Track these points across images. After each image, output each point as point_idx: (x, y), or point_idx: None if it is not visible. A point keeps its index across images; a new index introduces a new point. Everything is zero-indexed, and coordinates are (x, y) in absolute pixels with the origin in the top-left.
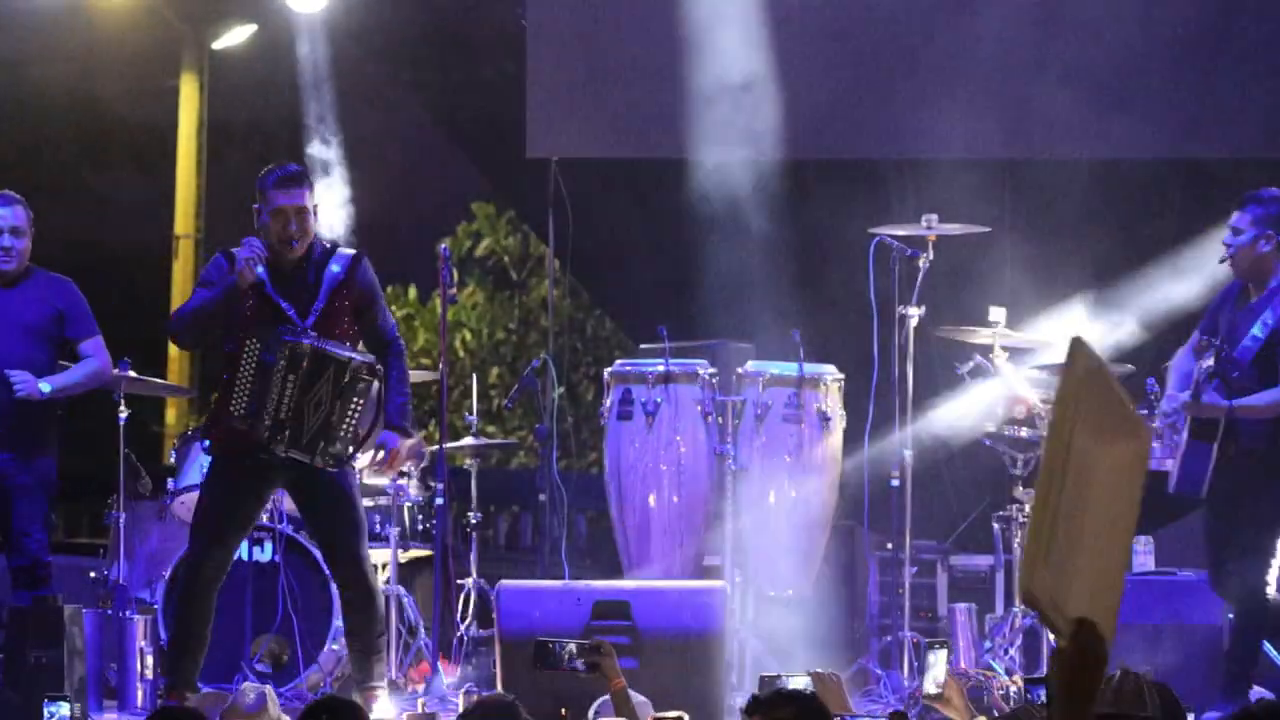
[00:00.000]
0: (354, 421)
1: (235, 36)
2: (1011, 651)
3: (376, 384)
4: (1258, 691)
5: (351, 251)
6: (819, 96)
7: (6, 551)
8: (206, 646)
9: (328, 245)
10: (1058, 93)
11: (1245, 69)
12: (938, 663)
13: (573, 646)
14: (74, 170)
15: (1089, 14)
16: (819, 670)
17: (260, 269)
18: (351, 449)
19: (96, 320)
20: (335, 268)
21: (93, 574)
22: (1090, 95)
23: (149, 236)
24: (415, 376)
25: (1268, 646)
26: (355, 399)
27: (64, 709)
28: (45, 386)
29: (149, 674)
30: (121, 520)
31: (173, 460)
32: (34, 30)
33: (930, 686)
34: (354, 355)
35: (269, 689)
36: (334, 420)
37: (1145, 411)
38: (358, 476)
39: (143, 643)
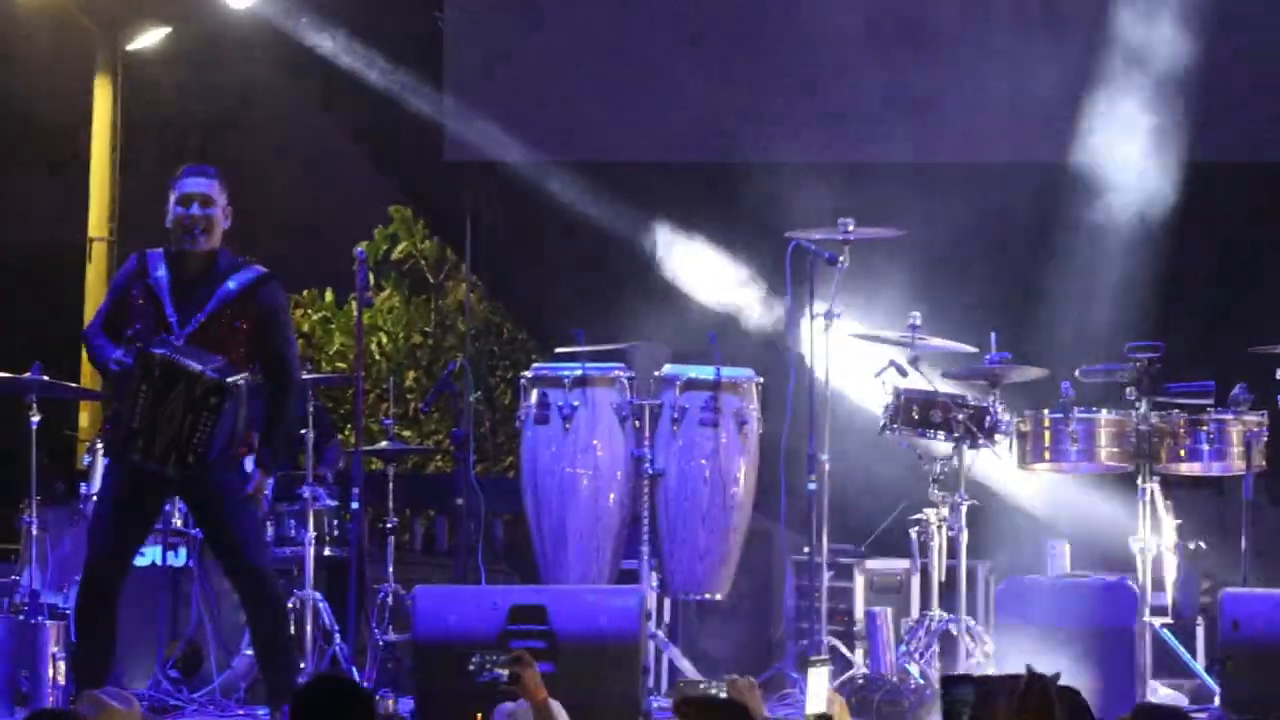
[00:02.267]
0: (207, 436)
1: (149, 38)
2: (928, 654)
3: (233, 403)
4: (1151, 687)
5: (258, 270)
6: (731, 101)
7: None
8: (114, 651)
9: (238, 261)
10: (971, 99)
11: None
12: (819, 680)
13: (491, 657)
14: None
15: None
16: (734, 676)
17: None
18: (207, 461)
19: (3, 322)
20: (231, 284)
21: (4, 580)
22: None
23: (62, 239)
24: (331, 381)
25: (1171, 639)
26: (207, 414)
27: None
28: None
29: (61, 680)
30: (33, 525)
31: (86, 465)
32: None
33: (813, 706)
34: (206, 370)
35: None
36: (185, 433)
37: (1059, 415)
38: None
39: (55, 648)
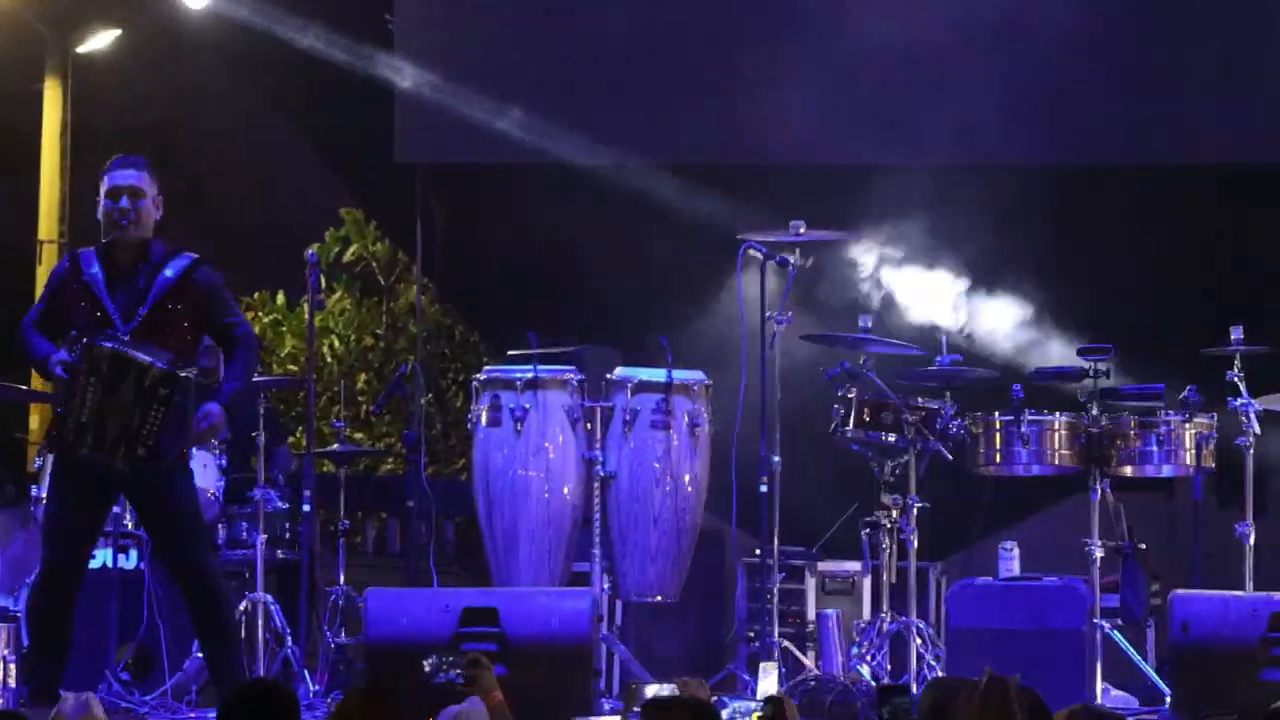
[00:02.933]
0: (156, 427)
1: (100, 40)
2: (879, 656)
3: (183, 395)
4: (1103, 689)
5: (191, 256)
6: (689, 101)
7: None
8: (68, 653)
9: (168, 249)
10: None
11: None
12: (768, 683)
13: (448, 659)
14: None
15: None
16: (685, 678)
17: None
18: (159, 454)
19: None
20: (169, 272)
21: None
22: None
23: (11, 240)
24: (282, 383)
25: (1120, 639)
26: (157, 405)
27: None
28: None
29: (11, 682)
30: None
31: (36, 467)
32: None
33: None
34: (155, 362)
35: (91, 695)
36: (134, 425)
37: (1010, 417)
38: (193, 478)
39: (5, 650)
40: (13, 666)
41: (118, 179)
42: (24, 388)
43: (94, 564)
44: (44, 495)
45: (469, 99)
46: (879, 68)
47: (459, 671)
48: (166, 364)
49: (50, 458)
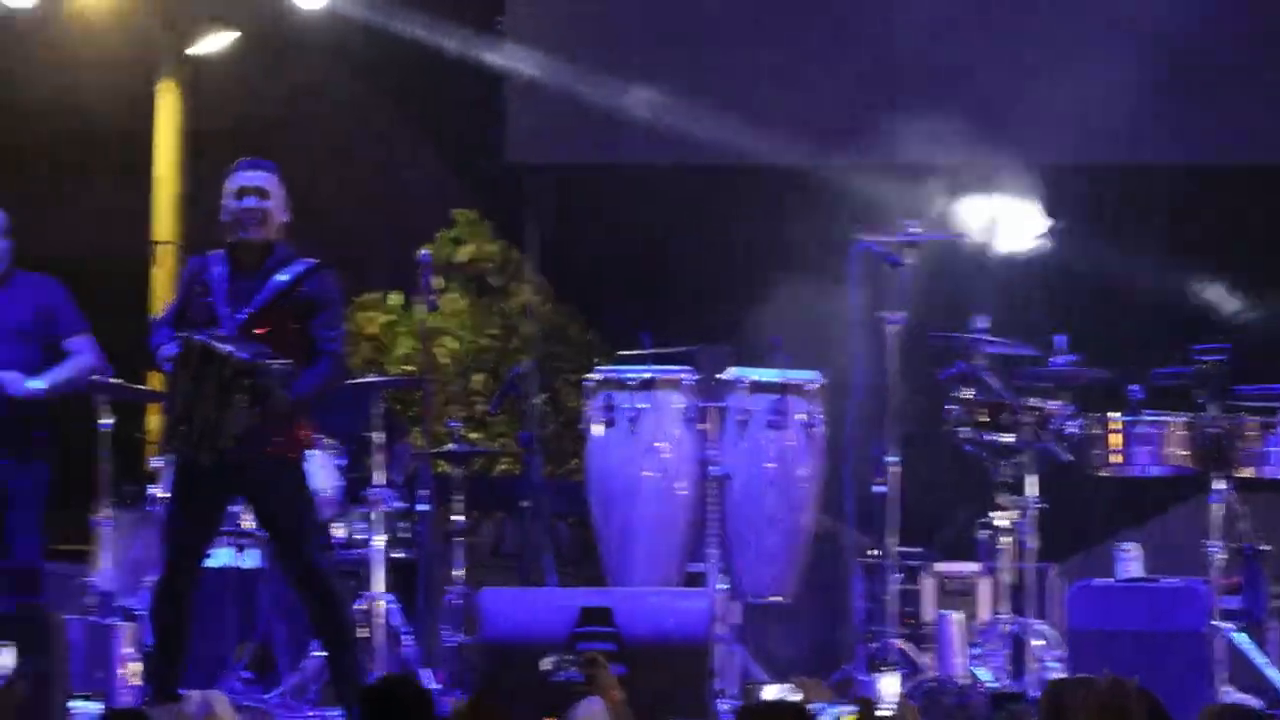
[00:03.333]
0: (237, 419)
1: (215, 42)
2: (998, 659)
3: (265, 385)
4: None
5: (311, 261)
6: (805, 102)
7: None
8: (187, 652)
9: (291, 253)
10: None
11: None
12: (889, 687)
13: (566, 659)
14: (53, 178)
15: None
16: (802, 678)
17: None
18: (245, 448)
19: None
20: (284, 275)
21: (77, 581)
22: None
23: (129, 243)
24: (398, 384)
25: (1242, 642)
26: (238, 395)
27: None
28: (37, 384)
29: (134, 680)
30: (106, 527)
31: (155, 467)
32: (12, 38)
33: (882, 710)
34: (235, 352)
35: (216, 694)
36: (216, 417)
37: (1129, 418)
38: (310, 478)
39: (128, 650)
40: (136, 665)
41: (242, 180)
42: (141, 388)
43: (213, 564)
44: (162, 495)
45: (579, 98)
46: (995, 69)
47: (579, 670)
48: (250, 355)
49: (169, 458)
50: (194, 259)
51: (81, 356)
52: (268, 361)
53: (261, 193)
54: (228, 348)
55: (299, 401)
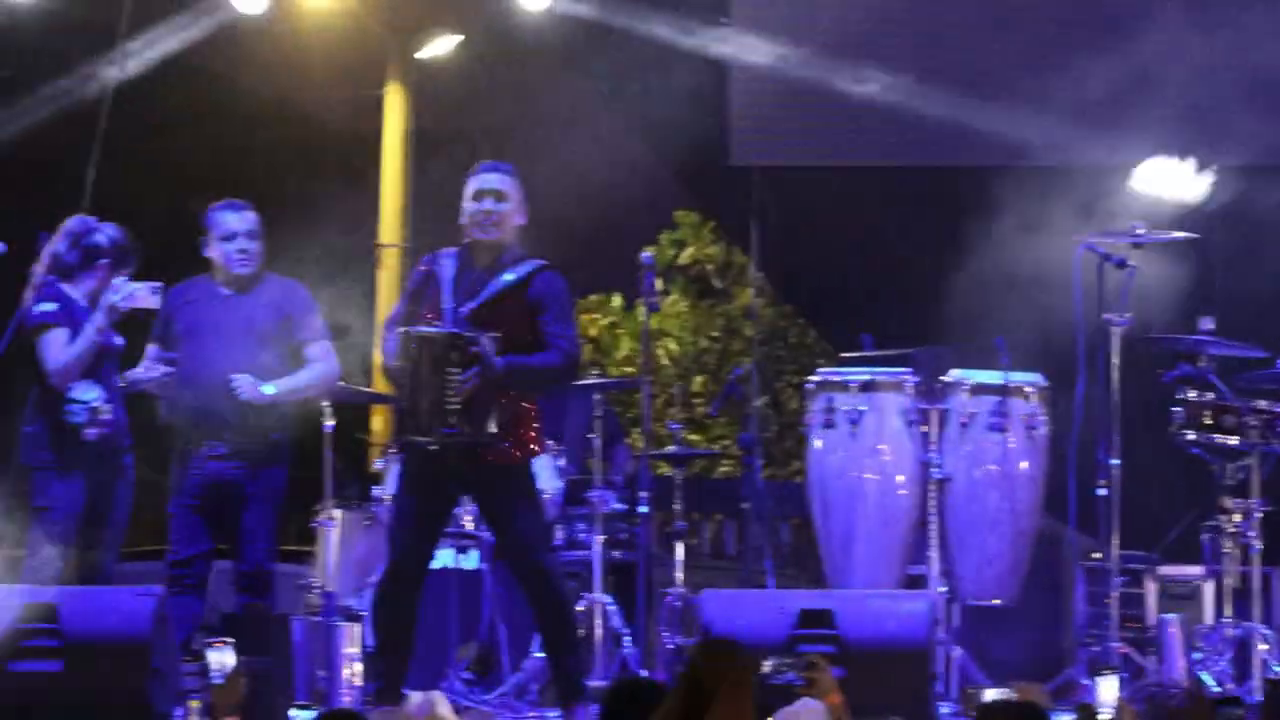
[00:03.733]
0: (454, 392)
1: (441, 46)
2: (1222, 663)
3: (477, 357)
4: None
5: (538, 261)
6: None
7: (233, 557)
8: (411, 652)
9: (522, 255)
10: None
11: None
12: (1108, 691)
13: (786, 661)
14: (281, 179)
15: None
16: (1022, 682)
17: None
18: (470, 425)
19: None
20: (510, 275)
21: (301, 581)
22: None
23: (352, 244)
24: (619, 385)
25: None
26: (450, 369)
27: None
28: (269, 389)
29: (357, 681)
30: (329, 528)
31: (379, 468)
32: (242, 42)
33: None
34: (440, 328)
35: (438, 694)
36: (437, 397)
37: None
38: (537, 481)
39: (350, 649)
40: (358, 665)
41: (482, 182)
42: (365, 390)
43: (435, 564)
44: (386, 496)
45: (802, 99)
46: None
47: (798, 673)
48: (452, 328)
49: (393, 460)
50: (426, 257)
51: (319, 365)
52: (474, 335)
53: (499, 195)
54: (434, 329)
55: (512, 371)
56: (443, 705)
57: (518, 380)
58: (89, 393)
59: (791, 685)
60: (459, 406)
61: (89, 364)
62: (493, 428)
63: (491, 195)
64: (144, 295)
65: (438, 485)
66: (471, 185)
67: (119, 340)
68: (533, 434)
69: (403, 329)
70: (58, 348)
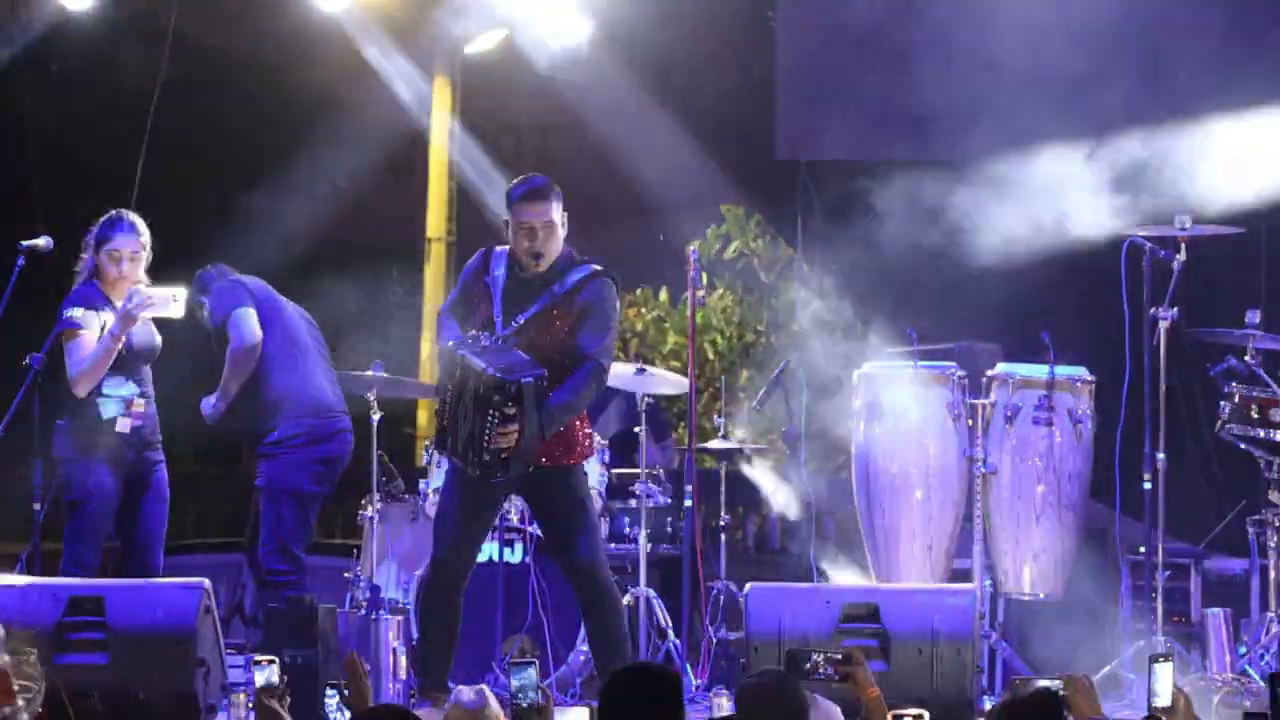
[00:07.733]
0: (492, 435)
1: (487, 41)
2: (1268, 657)
3: (519, 400)
4: None
5: (591, 267)
6: (1074, 92)
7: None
8: (455, 646)
9: (575, 260)
10: None
11: None
12: (1164, 676)
13: (824, 655)
14: (329, 172)
15: None
16: (1070, 674)
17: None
18: (501, 462)
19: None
20: (559, 285)
21: (346, 574)
22: None
23: (401, 239)
24: (666, 379)
25: None
26: (492, 411)
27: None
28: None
29: (402, 674)
30: (374, 521)
31: (425, 462)
32: (292, 37)
33: (1158, 700)
34: (488, 368)
35: (486, 688)
36: (476, 431)
37: None
38: (589, 478)
39: (395, 643)
40: (403, 658)
41: (526, 215)
42: (413, 381)
43: (480, 558)
44: (431, 490)
45: (850, 94)
46: None
47: (833, 668)
48: (502, 372)
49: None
50: (479, 253)
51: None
52: (519, 378)
53: (547, 227)
54: (481, 363)
55: (554, 414)
56: (492, 700)
57: (557, 425)
58: (122, 388)
59: (829, 680)
60: (494, 448)
61: (109, 367)
62: (530, 465)
63: (540, 230)
64: (161, 302)
65: (486, 483)
66: (514, 218)
67: (146, 340)
68: (584, 436)
69: (451, 344)
70: (78, 355)
